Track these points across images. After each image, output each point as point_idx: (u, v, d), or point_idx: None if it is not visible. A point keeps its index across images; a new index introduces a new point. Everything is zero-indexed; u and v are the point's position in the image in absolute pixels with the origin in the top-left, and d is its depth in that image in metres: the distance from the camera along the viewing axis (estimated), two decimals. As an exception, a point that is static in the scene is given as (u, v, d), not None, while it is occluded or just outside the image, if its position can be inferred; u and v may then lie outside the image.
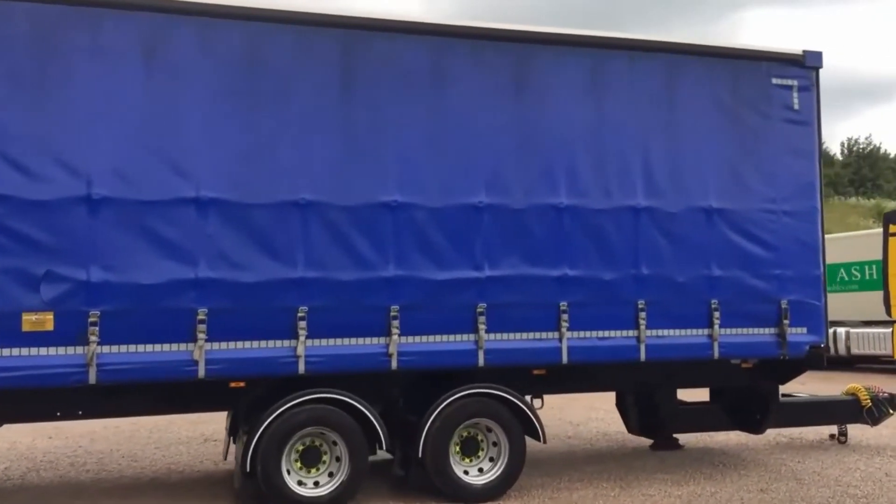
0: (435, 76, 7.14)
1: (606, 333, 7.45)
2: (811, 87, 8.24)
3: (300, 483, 6.77)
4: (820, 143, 8.30)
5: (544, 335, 7.28)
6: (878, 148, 67.25)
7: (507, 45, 7.36)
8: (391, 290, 6.89)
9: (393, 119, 7.00)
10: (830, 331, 20.08)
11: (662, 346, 7.59)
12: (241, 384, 6.70)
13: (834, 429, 9.95)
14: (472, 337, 7.07)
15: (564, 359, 7.30)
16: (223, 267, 6.52)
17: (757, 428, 8.82)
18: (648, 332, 7.54)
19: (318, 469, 6.85)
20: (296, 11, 6.80)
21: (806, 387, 16.36)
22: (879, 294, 18.03)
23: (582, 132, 7.51)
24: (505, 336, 7.17)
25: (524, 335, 7.23)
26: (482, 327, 7.06)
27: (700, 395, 9.42)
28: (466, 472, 7.19)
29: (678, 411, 8.60)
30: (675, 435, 9.48)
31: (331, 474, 6.85)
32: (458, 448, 7.21)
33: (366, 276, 6.84)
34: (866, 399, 9.43)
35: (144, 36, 6.47)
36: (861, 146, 67.26)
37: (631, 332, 7.51)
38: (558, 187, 7.40)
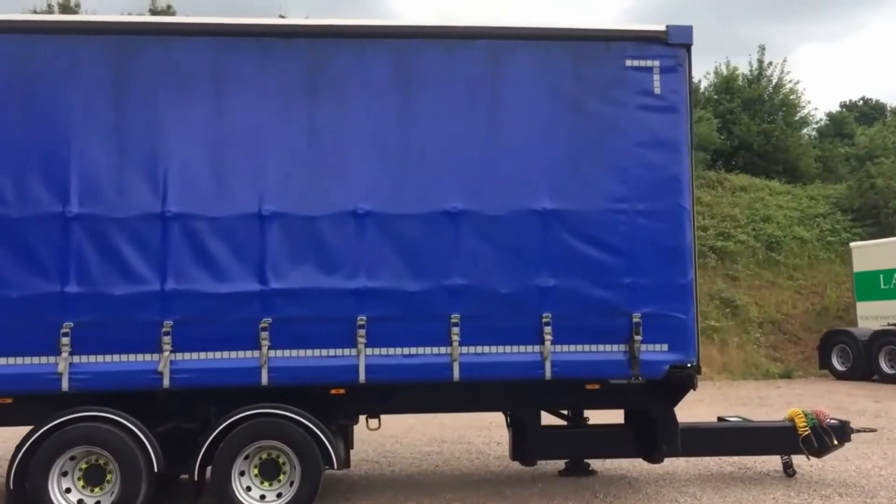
0: (215, 78, 6.79)
1: (413, 350, 6.78)
2: (678, 68, 7.13)
3: (80, 502, 6.64)
4: (691, 132, 7.17)
5: (339, 352, 6.74)
6: None
7: (300, 41, 6.88)
8: (165, 305, 6.61)
9: (170, 125, 6.73)
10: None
11: (481, 365, 6.82)
12: (8, 400, 6.64)
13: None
14: (255, 353, 6.66)
15: (362, 377, 6.72)
16: None
17: (653, 457, 7.78)
18: (463, 349, 6.79)
19: (102, 488, 6.69)
20: (64, 21, 6.69)
21: (881, 405, 14.53)
22: None
23: (386, 132, 6.90)
24: (293, 353, 6.70)
25: (316, 352, 6.72)
26: (265, 343, 6.63)
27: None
28: (263, 497, 6.80)
29: (545, 435, 7.70)
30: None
31: (112, 493, 6.67)
32: (256, 471, 6.84)
33: (137, 290, 6.60)
34: (804, 427, 8.10)
35: None
36: None
37: (442, 349, 6.80)
38: (357, 193, 6.83)
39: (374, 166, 6.87)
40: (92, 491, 6.69)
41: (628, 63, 7.10)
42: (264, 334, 6.64)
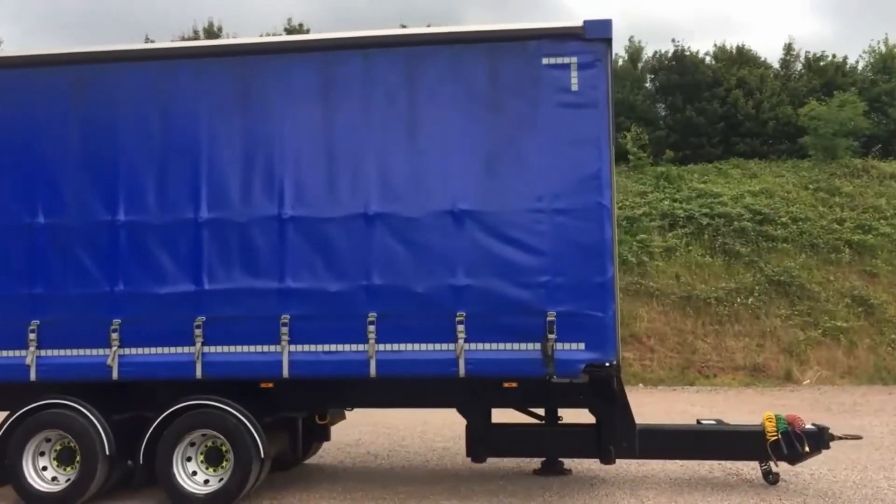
0: (158, 96, 7.46)
1: (333, 347, 7.13)
2: (597, 63, 7.02)
3: (54, 479, 7.52)
4: (612, 127, 7.03)
5: (266, 348, 7.20)
6: None
7: (231, 59, 7.43)
8: (114, 305, 7.35)
9: (119, 139, 7.45)
10: None
11: (397, 362, 7.04)
12: (-11, 388, 7.64)
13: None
14: (190, 349, 7.25)
15: (285, 373, 7.15)
16: None
17: (603, 457, 7.66)
18: (380, 347, 7.05)
19: (73, 468, 7.53)
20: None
21: None
22: None
23: (309, 140, 7.30)
24: (225, 349, 7.23)
25: (245, 348, 7.22)
26: (199, 340, 7.22)
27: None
28: (207, 481, 7.40)
29: (492, 433, 7.76)
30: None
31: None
32: (202, 457, 7.46)
33: (91, 291, 7.38)
34: (773, 431, 7.68)
35: None
36: None
37: (360, 346, 7.09)
38: (282, 199, 7.27)
39: (298, 173, 7.29)
40: (65, 470, 7.56)
41: (545, 61, 7.08)
42: (198, 331, 7.23)
